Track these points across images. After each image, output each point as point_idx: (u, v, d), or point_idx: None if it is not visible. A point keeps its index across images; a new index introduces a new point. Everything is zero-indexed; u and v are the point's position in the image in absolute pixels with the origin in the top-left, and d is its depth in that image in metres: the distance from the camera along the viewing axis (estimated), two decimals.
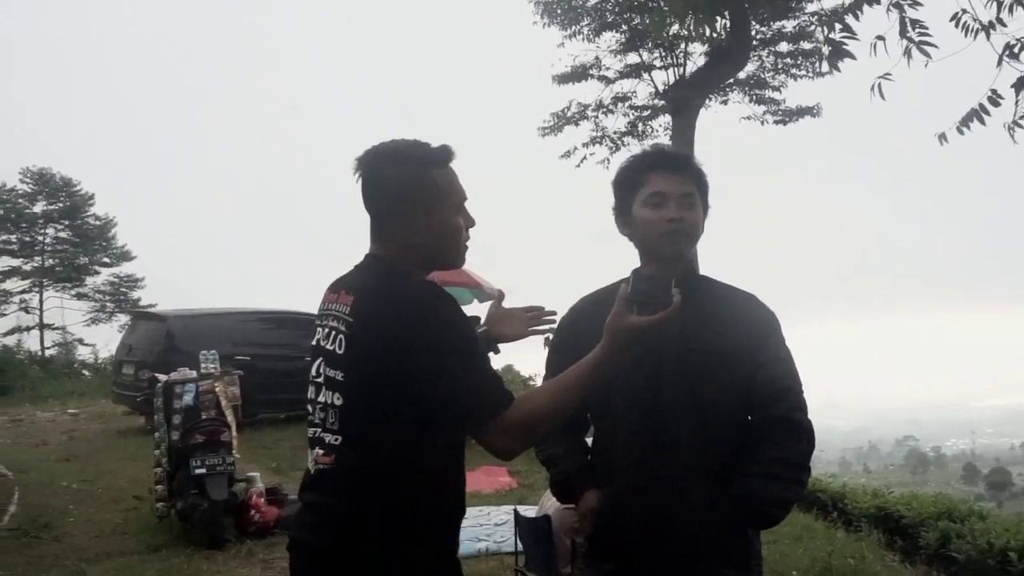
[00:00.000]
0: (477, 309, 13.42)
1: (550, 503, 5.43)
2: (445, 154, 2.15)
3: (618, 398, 2.40)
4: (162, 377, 8.02)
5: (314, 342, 2.17)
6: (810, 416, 2.45)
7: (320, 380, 2.10)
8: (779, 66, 17.57)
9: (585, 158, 18.35)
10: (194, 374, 7.96)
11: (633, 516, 2.38)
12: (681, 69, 17.31)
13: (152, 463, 7.97)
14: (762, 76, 17.70)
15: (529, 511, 5.70)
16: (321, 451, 2.07)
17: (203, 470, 7.13)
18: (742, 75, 17.11)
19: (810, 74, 17.42)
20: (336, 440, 2.04)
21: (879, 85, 4.93)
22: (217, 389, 7.89)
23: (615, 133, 18.11)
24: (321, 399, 2.08)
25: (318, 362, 2.12)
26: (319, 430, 2.09)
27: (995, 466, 71.95)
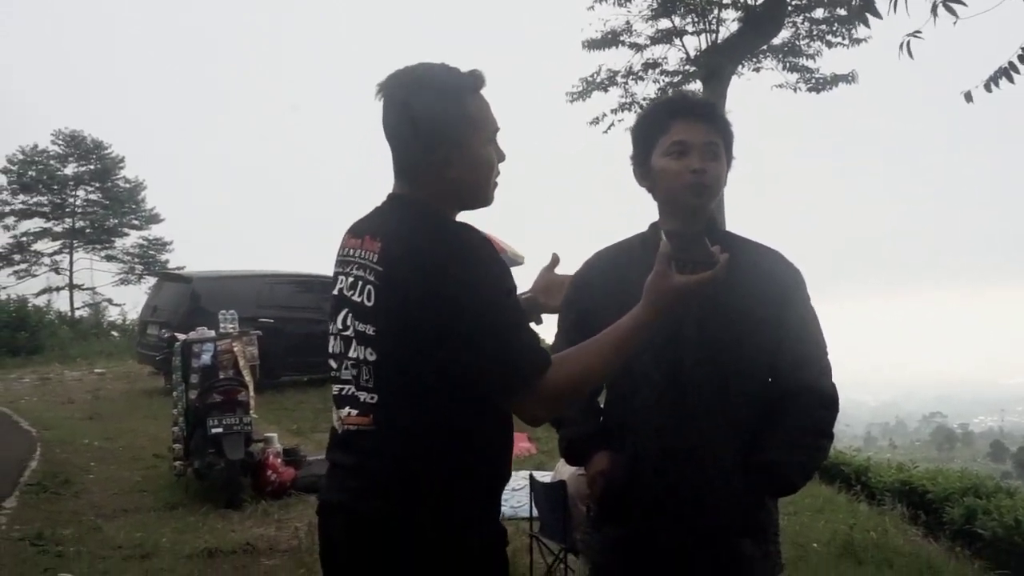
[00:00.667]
0: None
1: (566, 469, 5.33)
2: (478, 80, 1.92)
3: (636, 361, 2.18)
4: (181, 336, 7.98)
5: (335, 291, 1.95)
6: (838, 387, 2.32)
7: (349, 333, 1.88)
8: (814, 33, 17.01)
9: (613, 124, 17.79)
10: (212, 334, 7.90)
11: (648, 483, 2.25)
12: (714, 35, 16.80)
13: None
14: (796, 43, 17.11)
15: (545, 477, 5.62)
16: (355, 411, 1.87)
17: (220, 429, 7.06)
18: (776, 42, 16.72)
19: (846, 41, 16.95)
20: (372, 399, 1.84)
21: (908, 43, 4.78)
22: (235, 349, 7.85)
23: (645, 99, 17.31)
24: (352, 354, 1.87)
25: (343, 313, 1.91)
26: (351, 388, 1.88)
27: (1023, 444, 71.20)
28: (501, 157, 1.99)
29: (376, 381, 1.84)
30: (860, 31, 16.77)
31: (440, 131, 1.86)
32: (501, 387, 1.79)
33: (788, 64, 17.32)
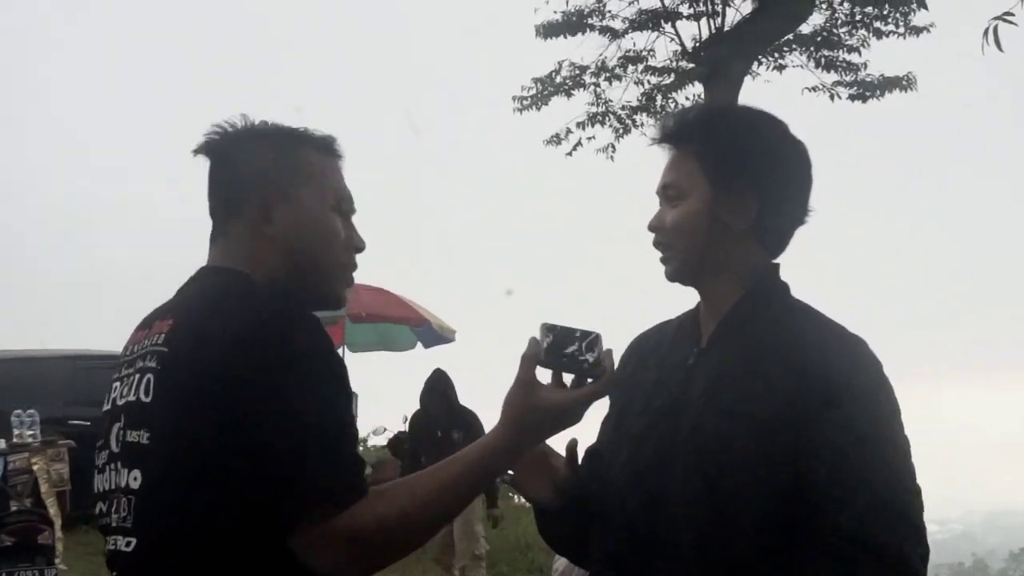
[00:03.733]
0: (422, 355, 8.21)
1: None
2: (328, 142, 1.03)
3: (617, 479, 1.11)
4: None
5: (106, 408, 1.00)
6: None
7: (114, 450, 0.95)
8: (858, 18, 9.02)
9: (580, 143, 9.49)
10: (2, 444, 4.93)
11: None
12: (719, 19, 9.04)
13: None
14: (834, 32, 9.16)
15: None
16: (115, 571, 0.98)
17: None
18: (806, 29, 9.03)
19: (901, 30, 8.89)
20: (128, 545, 0.92)
21: (995, 28, 2.88)
22: (36, 467, 4.91)
23: (623, 108, 9.48)
24: (112, 483, 0.94)
25: (114, 431, 0.95)
26: (113, 534, 0.96)
27: None
28: (357, 242, 1.05)
29: (136, 516, 0.92)
30: (919, 16, 8.78)
31: (261, 173, 1.00)
32: (289, 512, 0.84)
33: (823, 60, 9.25)
